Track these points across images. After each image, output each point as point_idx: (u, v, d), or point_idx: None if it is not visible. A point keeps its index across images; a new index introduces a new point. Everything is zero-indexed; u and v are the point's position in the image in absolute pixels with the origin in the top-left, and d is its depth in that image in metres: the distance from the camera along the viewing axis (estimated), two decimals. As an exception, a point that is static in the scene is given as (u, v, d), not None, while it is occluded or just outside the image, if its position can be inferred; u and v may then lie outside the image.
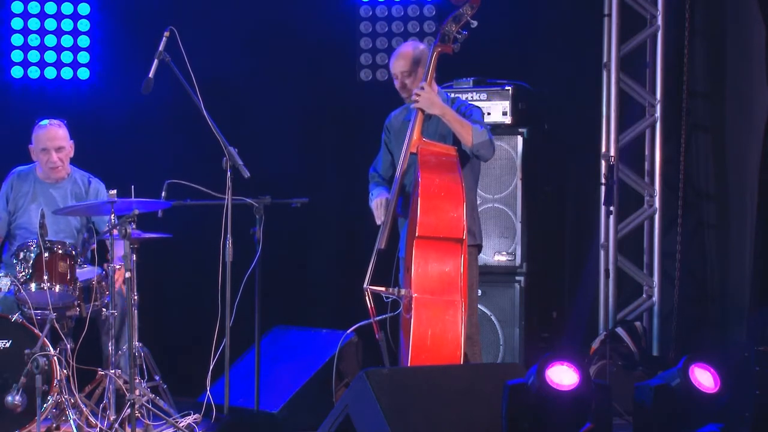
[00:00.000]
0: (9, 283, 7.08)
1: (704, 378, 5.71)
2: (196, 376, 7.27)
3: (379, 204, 6.88)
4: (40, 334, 6.79)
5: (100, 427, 6.86)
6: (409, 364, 6.47)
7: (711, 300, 8.15)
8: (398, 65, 6.89)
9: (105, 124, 8.45)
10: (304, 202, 7.47)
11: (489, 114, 7.56)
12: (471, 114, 6.73)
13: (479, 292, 7.08)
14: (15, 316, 6.89)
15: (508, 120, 7.92)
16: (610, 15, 8.39)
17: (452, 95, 7.02)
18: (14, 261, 7.07)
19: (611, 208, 7.95)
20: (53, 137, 7.62)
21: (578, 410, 5.47)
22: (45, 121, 7.68)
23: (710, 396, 5.69)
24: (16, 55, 8.69)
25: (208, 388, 7.07)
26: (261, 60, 8.80)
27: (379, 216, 6.87)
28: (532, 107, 8.09)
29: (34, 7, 8.78)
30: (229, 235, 6.90)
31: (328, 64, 8.88)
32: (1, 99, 8.73)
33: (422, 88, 6.65)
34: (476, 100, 7.62)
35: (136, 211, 6.96)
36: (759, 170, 7.87)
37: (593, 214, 8.41)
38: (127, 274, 7.03)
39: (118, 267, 7.22)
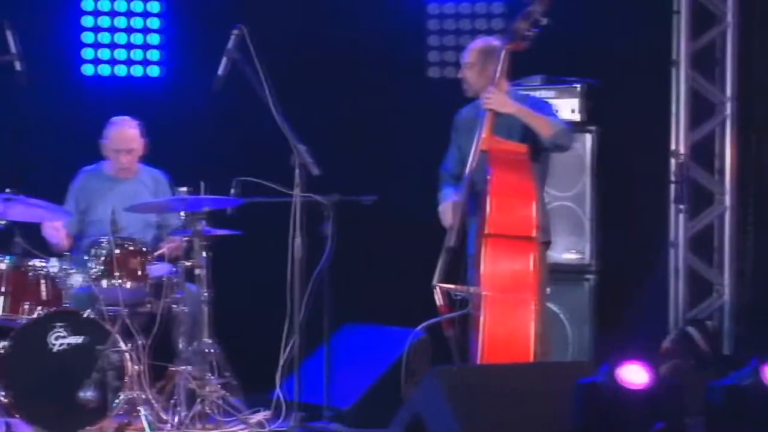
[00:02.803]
0: (81, 279, 7.13)
1: (777, 378, 5.67)
2: (266, 372, 7.34)
3: (448, 206, 6.89)
4: (113, 330, 6.86)
5: (171, 423, 6.91)
6: (480, 362, 6.46)
7: (783, 299, 8.12)
8: (465, 56, 6.98)
9: (175, 122, 8.49)
10: (373, 200, 7.62)
11: (557, 112, 7.45)
12: (542, 109, 6.80)
13: (548, 290, 7.03)
14: (88, 313, 6.92)
15: (577, 118, 7.90)
16: (679, 12, 8.28)
17: (522, 92, 7.05)
18: (86, 258, 7.14)
19: (681, 207, 7.97)
20: (125, 138, 7.74)
21: (650, 410, 5.44)
22: (119, 119, 7.78)
23: (783, 396, 5.74)
24: (87, 53, 8.79)
25: (278, 385, 7.20)
26: (329, 57, 8.85)
27: (448, 219, 6.87)
28: (601, 105, 8.07)
29: (104, 5, 8.83)
30: (298, 232, 7.01)
31: (397, 62, 8.88)
32: (72, 97, 8.76)
33: (491, 91, 6.69)
34: (545, 98, 7.58)
35: (208, 209, 7.09)
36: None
37: (664, 212, 8.38)
38: (198, 271, 7.10)
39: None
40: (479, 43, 7.06)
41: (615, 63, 8.43)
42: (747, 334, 8.23)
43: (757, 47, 8.29)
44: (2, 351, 6.86)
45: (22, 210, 7.23)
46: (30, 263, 7.18)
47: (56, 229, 7.55)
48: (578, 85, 8.02)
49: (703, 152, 8.30)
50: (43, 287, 7.16)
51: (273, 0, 8.72)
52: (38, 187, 7.47)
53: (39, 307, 7.09)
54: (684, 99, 8.30)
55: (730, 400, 5.62)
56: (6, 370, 6.87)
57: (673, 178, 8.17)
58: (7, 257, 7.14)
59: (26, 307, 7.07)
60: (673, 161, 8.26)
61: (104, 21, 8.84)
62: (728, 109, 8.23)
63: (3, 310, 7.06)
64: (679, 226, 8.30)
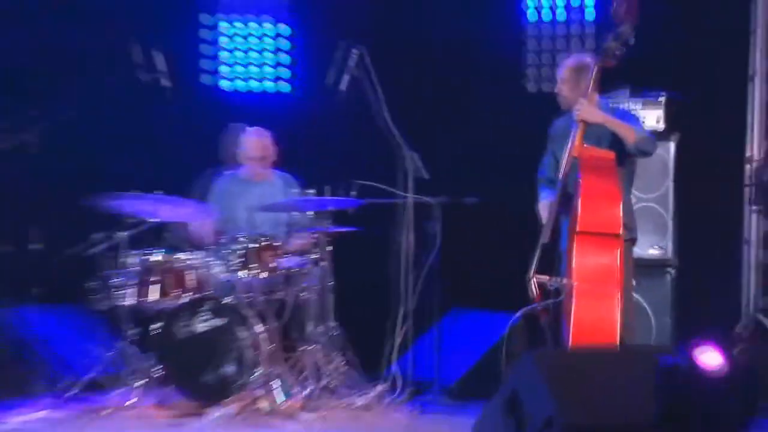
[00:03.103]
0: (222, 270, 7.33)
1: None
2: (383, 352, 7.49)
3: (544, 206, 6.93)
4: (250, 314, 7.07)
5: (300, 396, 7.04)
6: (569, 345, 6.48)
7: None
8: (560, 72, 6.98)
9: (302, 131, 8.59)
10: (475, 201, 7.60)
11: (644, 121, 7.52)
12: (629, 120, 6.81)
13: (633, 282, 7.02)
14: (229, 299, 7.15)
15: (661, 127, 7.83)
16: (755, 31, 8.12)
17: (612, 104, 7.05)
18: (226, 252, 7.34)
19: (755, 207, 7.89)
20: (257, 147, 7.86)
21: (724, 389, 5.37)
22: (253, 129, 7.89)
23: None
24: (224, 70, 8.97)
25: (393, 363, 7.39)
26: (439, 74, 8.77)
27: (545, 216, 6.89)
28: (683, 115, 7.98)
29: (241, 30, 8.98)
30: (409, 229, 7.30)
31: (498, 78, 8.80)
32: (211, 109, 8.83)
33: (582, 103, 6.70)
34: (631, 109, 7.62)
35: (331, 209, 7.32)
36: None
37: (739, 213, 8.27)
38: (323, 263, 7.32)
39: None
40: (573, 60, 7.07)
41: (695, 76, 8.29)
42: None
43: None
44: (156, 331, 7.10)
45: (171, 209, 7.36)
46: (178, 256, 7.37)
47: (203, 227, 7.67)
48: (662, 97, 7.92)
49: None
50: (189, 277, 7.32)
51: (387, 23, 8.72)
52: (183, 190, 7.56)
53: (186, 294, 7.25)
54: (757, 111, 8.17)
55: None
56: (159, 348, 7.10)
57: (748, 182, 8.04)
58: (159, 251, 7.35)
59: (175, 293, 7.26)
60: (748, 166, 8.11)
61: (240, 42, 8.95)
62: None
63: (155, 298, 7.25)
64: (752, 225, 8.16)
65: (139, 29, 7.95)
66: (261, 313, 7.17)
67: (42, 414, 6.98)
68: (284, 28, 9.01)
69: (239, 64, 9.01)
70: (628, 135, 6.69)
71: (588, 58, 7.01)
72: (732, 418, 5.36)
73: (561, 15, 8.69)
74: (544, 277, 6.75)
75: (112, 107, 8.17)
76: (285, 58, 9.00)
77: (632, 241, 6.87)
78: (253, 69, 8.98)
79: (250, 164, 7.86)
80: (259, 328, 7.09)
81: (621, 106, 7.39)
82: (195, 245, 7.67)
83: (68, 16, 8.55)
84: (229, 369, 7.02)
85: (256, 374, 7.03)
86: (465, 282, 8.01)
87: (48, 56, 8.44)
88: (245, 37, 9.05)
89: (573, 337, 6.50)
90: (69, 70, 8.03)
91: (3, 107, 7.70)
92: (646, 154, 6.84)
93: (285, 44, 9.01)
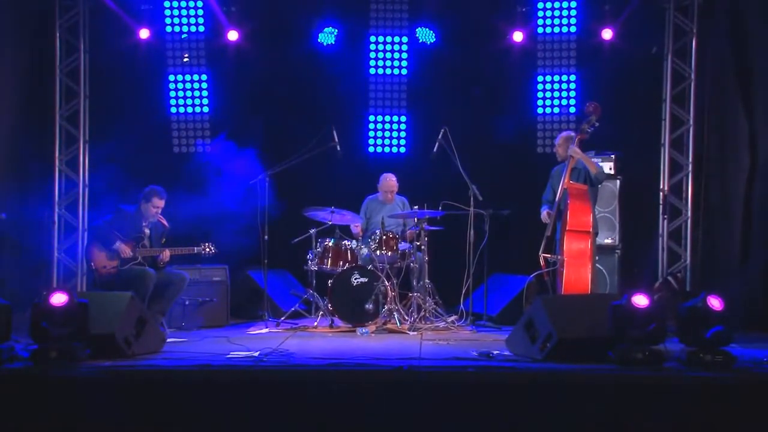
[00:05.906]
0: (366, 250, 7.55)
1: (715, 303, 5.50)
2: (456, 297, 7.54)
3: (547, 215, 7.19)
4: (381, 275, 7.25)
5: (409, 322, 7.16)
6: (562, 293, 6.80)
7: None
8: (557, 140, 7.35)
9: (411, 173, 8.40)
10: (509, 212, 7.66)
11: (602, 167, 7.65)
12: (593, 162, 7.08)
13: (597, 257, 7.17)
14: (370, 267, 7.33)
15: (612, 172, 8.05)
16: (665, 119, 8.33)
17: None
18: (369, 240, 7.56)
19: (665, 216, 7.94)
20: (390, 184, 7.99)
21: (648, 318, 5.45)
22: (387, 174, 8.04)
23: (718, 312, 5.47)
24: (372, 141, 8.78)
25: (461, 303, 7.54)
26: (486, 140, 8.46)
27: (546, 220, 7.15)
28: (623, 164, 8.08)
29: (383, 120, 8.67)
30: (470, 228, 7.35)
31: (522, 145, 8.52)
32: (363, 163, 8.58)
33: (574, 149, 7.05)
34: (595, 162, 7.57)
35: (426, 217, 7.38)
36: None
37: (657, 218, 8.30)
38: (423, 247, 7.35)
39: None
40: (563, 133, 7.39)
41: (631, 143, 8.25)
42: (701, 281, 7.99)
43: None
44: (330, 285, 7.24)
45: (339, 217, 7.59)
46: (342, 242, 7.50)
47: (357, 227, 7.92)
48: (613, 156, 8.06)
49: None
50: (348, 254, 7.46)
51: (460, 114, 8.35)
52: (346, 207, 7.65)
53: (346, 264, 7.39)
54: (668, 162, 8.28)
55: (688, 313, 5.54)
56: (331, 294, 7.22)
57: (661, 202, 8.30)
58: (332, 239, 7.51)
59: (340, 263, 7.42)
60: (661, 193, 8.36)
61: (384, 127, 8.72)
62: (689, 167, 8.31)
63: (329, 266, 7.41)
64: (663, 226, 8.35)
65: (331, 119, 7.89)
66: (387, 274, 7.29)
67: (266, 330, 7.13)
68: (404, 119, 8.73)
69: (382, 138, 8.72)
70: (592, 168, 7.04)
71: (572, 133, 7.27)
72: (651, 335, 5.39)
73: (556, 109, 8.49)
74: (548, 255, 6.95)
75: (315, 162, 7.80)
76: (403, 134, 8.76)
77: (596, 234, 7.11)
78: (387, 141, 8.76)
79: (384, 193, 8.04)
80: (386, 282, 7.20)
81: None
82: (352, 236, 7.84)
83: (290, 109, 8.56)
84: (369, 306, 7.12)
85: (384, 309, 7.18)
86: (502, 257, 7.84)
87: (277, 135, 8.51)
88: (391, 123, 8.72)
89: (564, 289, 6.79)
90: (293, 143, 7.86)
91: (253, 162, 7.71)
92: (600, 180, 7.10)
93: (403, 127, 8.75)
